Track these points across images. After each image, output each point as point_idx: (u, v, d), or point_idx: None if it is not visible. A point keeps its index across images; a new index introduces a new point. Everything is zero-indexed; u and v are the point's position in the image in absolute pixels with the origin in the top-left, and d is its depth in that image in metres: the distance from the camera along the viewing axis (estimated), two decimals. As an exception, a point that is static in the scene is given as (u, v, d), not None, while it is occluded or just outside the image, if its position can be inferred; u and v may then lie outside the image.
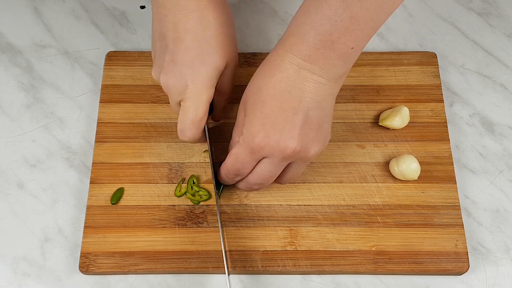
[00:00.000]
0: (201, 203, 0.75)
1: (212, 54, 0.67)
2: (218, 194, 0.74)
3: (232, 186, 0.74)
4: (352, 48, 0.61)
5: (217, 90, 0.71)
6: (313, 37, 0.60)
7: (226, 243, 0.72)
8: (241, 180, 0.70)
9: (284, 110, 0.62)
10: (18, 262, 0.73)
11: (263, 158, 0.66)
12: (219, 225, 0.72)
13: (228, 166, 0.68)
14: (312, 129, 0.64)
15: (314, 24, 0.60)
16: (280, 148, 0.63)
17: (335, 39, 0.60)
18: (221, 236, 0.71)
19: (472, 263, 0.73)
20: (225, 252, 0.70)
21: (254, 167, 0.67)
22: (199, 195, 0.74)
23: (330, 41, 0.60)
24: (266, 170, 0.67)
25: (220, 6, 0.68)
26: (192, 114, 0.68)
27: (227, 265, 0.69)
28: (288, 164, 0.67)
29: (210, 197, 0.75)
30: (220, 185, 0.74)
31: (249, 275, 0.72)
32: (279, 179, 0.70)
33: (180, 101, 0.69)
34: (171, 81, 0.67)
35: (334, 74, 0.62)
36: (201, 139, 0.72)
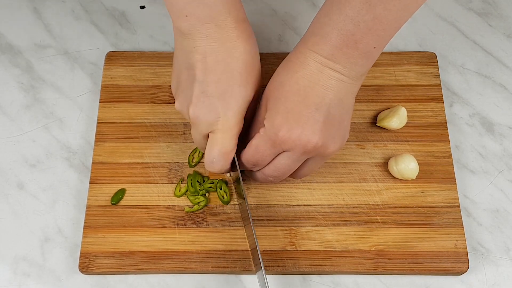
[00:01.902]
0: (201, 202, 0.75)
1: (242, 86, 0.66)
2: (240, 181, 0.73)
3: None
4: (374, 47, 0.61)
5: None
6: (336, 37, 0.61)
7: (252, 241, 0.70)
8: (258, 170, 0.70)
9: (307, 105, 0.63)
10: (18, 262, 0.73)
11: (283, 151, 0.66)
12: (250, 221, 0.70)
13: (248, 156, 0.68)
14: (333, 126, 0.64)
15: (336, 24, 0.61)
16: (301, 143, 0.64)
17: (357, 39, 0.60)
18: (253, 232, 0.69)
19: (471, 263, 0.73)
20: (258, 249, 0.68)
21: (273, 159, 0.67)
22: (198, 202, 0.74)
23: (353, 41, 0.61)
24: (284, 163, 0.67)
25: (249, 36, 0.67)
26: (222, 146, 0.67)
27: (262, 263, 0.68)
28: (305, 160, 0.67)
29: (207, 203, 0.75)
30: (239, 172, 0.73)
31: (248, 275, 0.72)
32: (294, 174, 0.70)
33: (209, 132, 0.68)
34: (201, 112, 0.66)
35: (356, 72, 0.63)
36: (229, 169, 0.71)
